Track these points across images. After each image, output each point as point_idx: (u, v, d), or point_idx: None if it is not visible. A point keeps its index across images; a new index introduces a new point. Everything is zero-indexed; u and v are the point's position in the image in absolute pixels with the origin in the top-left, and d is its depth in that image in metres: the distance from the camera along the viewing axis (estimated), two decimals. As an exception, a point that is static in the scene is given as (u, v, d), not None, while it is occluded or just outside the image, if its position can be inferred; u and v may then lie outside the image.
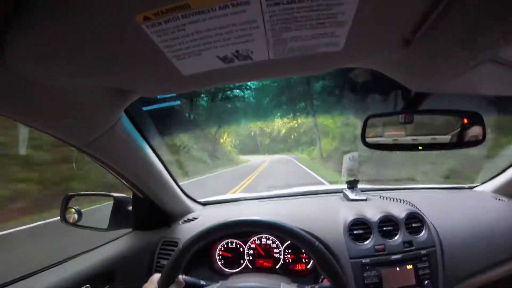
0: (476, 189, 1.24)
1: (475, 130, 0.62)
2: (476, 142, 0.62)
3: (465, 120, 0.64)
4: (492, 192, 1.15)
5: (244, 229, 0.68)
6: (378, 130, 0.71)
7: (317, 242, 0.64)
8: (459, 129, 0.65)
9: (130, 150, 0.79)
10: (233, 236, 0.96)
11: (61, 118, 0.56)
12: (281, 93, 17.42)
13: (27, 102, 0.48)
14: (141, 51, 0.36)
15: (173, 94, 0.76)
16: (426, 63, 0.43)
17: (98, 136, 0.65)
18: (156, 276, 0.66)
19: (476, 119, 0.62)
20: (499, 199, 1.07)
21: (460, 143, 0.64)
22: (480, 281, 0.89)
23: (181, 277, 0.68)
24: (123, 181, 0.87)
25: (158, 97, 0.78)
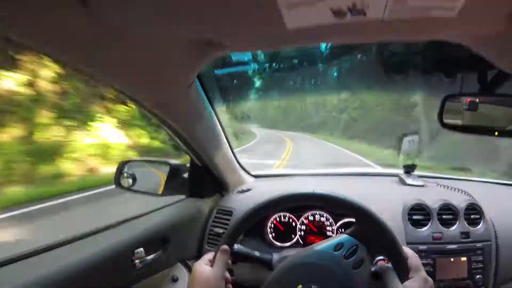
0: None
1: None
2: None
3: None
4: None
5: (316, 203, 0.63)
6: (455, 111, 0.68)
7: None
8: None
9: (198, 116, 0.78)
10: (287, 210, 0.95)
11: (139, 74, 0.54)
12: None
13: (107, 54, 0.46)
14: None
15: (250, 57, 0.75)
16: None
17: (170, 97, 0.64)
18: (209, 255, 0.61)
19: None
20: None
21: None
22: None
23: (236, 246, 0.65)
24: (183, 146, 0.88)
25: (233, 58, 0.79)
